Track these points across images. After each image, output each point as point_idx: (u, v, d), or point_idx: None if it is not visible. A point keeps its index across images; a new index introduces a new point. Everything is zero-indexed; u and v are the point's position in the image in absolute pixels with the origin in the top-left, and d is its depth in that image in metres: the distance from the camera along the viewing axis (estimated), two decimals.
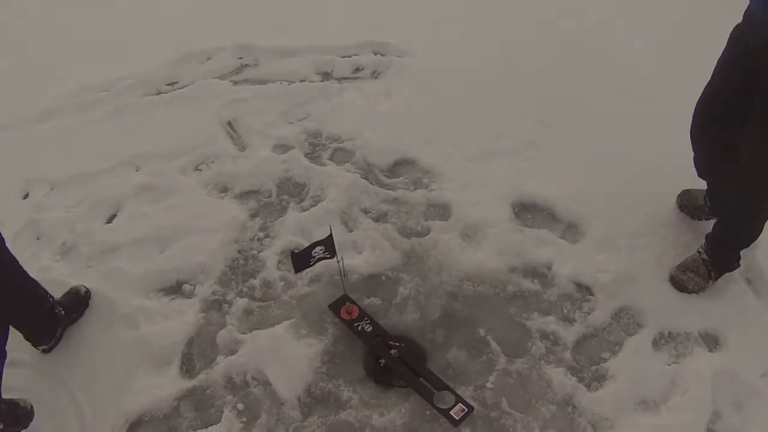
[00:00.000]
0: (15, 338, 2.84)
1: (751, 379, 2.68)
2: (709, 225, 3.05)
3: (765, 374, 2.71)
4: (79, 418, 2.61)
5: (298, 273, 2.75)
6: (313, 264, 2.63)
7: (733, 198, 2.80)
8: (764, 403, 2.61)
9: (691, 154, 3.00)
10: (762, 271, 3.07)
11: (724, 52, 2.65)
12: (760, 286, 3.03)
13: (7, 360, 2.79)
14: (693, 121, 2.88)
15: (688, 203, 3.24)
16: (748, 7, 2.47)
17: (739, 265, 2.99)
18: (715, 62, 2.67)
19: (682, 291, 2.96)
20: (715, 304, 2.94)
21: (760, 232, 2.89)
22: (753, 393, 2.64)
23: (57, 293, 2.97)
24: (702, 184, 3.14)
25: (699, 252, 3.00)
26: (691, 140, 2.94)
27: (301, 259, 2.58)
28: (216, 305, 2.97)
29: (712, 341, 2.84)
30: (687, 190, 3.27)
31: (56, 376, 2.76)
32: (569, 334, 2.83)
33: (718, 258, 2.96)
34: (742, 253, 2.97)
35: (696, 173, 3.05)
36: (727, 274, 2.99)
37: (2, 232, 3.24)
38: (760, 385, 2.67)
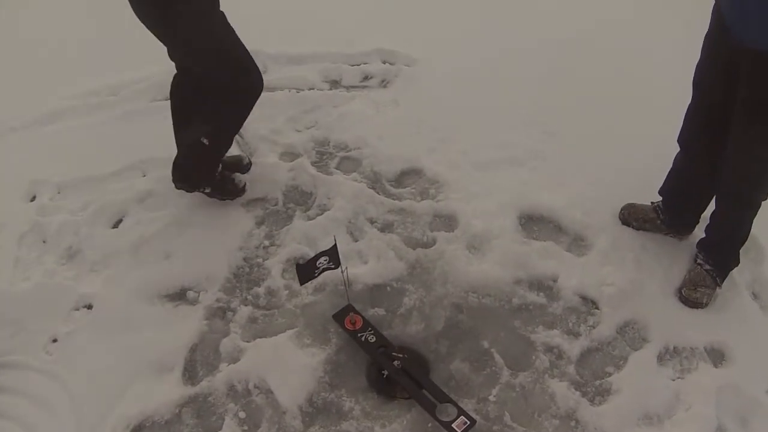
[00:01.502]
0: (14, 341, 2.87)
1: (757, 394, 2.67)
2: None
3: None
4: (79, 422, 2.60)
5: (303, 284, 2.74)
6: (318, 275, 2.62)
7: (730, 202, 2.86)
8: None
9: None
10: None
11: (700, 59, 2.69)
12: (767, 301, 3.02)
13: (8, 361, 2.80)
14: (682, 131, 2.92)
15: (634, 217, 3.25)
16: (714, 8, 2.54)
17: (740, 261, 3.00)
18: None
19: (697, 308, 2.95)
20: (720, 318, 2.93)
21: (752, 224, 2.92)
22: (758, 408, 2.62)
23: (62, 298, 3.01)
24: (645, 198, 3.23)
25: (699, 264, 3.00)
26: (681, 149, 2.98)
27: (306, 271, 2.58)
28: (220, 313, 2.97)
29: (717, 356, 2.82)
30: (631, 204, 3.29)
31: (58, 378, 2.75)
32: (574, 348, 2.82)
33: (723, 263, 2.98)
34: (748, 268, 2.97)
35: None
36: (733, 290, 2.99)
37: (7, 235, 3.28)
38: (765, 401, 2.65)
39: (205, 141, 3.20)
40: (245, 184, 3.48)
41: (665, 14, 4.52)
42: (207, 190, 3.38)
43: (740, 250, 2.98)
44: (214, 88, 3.12)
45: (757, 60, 2.35)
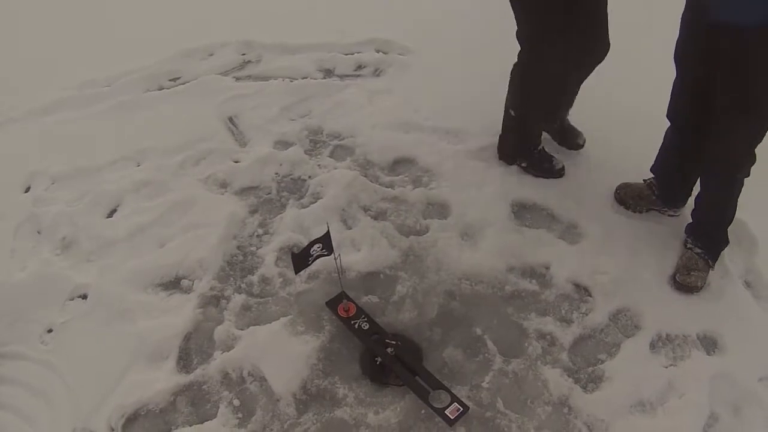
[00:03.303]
0: (9, 331, 2.89)
1: (749, 382, 2.68)
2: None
3: (763, 378, 2.70)
4: (75, 411, 2.61)
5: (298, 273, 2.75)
6: (312, 262, 2.63)
7: (716, 180, 2.90)
8: (762, 407, 2.60)
9: None
10: (761, 274, 3.06)
11: (679, 35, 2.74)
12: (760, 290, 3.02)
13: (4, 351, 2.81)
14: (669, 105, 2.97)
15: (630, 196, 3.29)
16: None
17: (729, 241, 3.04)
18: None
19: (692, 292, 2.97)
20: (713, 306, 2.93)
21: (737, 204, 2.97)
22: (750, 397, 2.64)
23: (58, 288, 3.03)
24: (638, 177, 3.30)
25: (689, 248, 3.03)
26: (670, 123, 3.03)
27: (300, 260, 2.58)
28: (214, 301, 2.98)
29: (710, 344, 2.83)
30: (625, 183, 3.33)
31: (53, 367, 2.76)
32: (566, 335, 2.82)
33: (713, 245, 3.01)
34: (741, 257, 2.99)
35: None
36: (726, 278, 3.01)
37: (3, 225, 3.29)
38: (757, 389, 2.66)
39: (512, 112, 3.35)
40: (563, 166, 3.48)
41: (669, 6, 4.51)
42: (523, 164, 3.50)
43: (729, 232, 3.02)
44: (528, 60, 3.17)
45: (734, 36, 2.41)
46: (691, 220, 3.10)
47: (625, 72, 3.33)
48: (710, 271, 3.00)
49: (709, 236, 3.01)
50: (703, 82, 2.68)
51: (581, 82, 3.26)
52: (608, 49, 3.08)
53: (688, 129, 2.93)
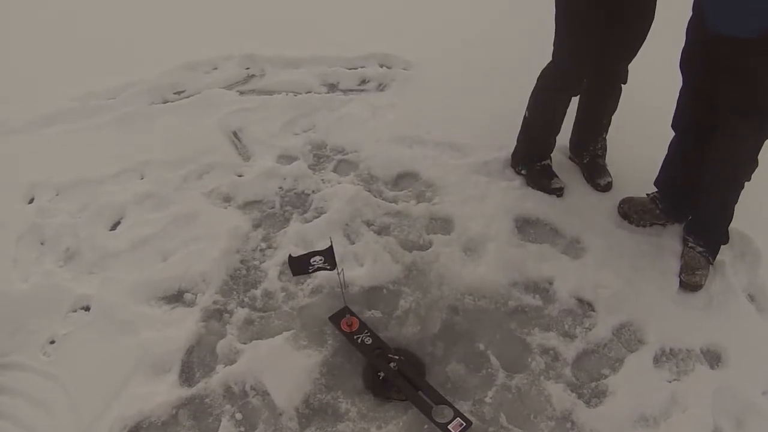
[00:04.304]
0: (12, 342, 2.88)
1: (753, 396, 2.67)
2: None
3: (766, 391, 2.69)
4: (76, 422, 2.60)
5: (296, 276, 2.74)
6: (312, 272, 2.63)
7: (718, 183, 2.94)
8: (765, 420, 2.60)
9: None
10: (765, 288, 3.06)
11: (684, 44, 2.82)
12: (763, 303, 3.02)
13: (7, 362, 2.81)
14: (674, 113, 3.02)
15: (633, 210, 3.31)
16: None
17: (729, 238, 3.09)
18: None
19: (697, 290, 3.01)
20: (717, 320, 2.94)
21: (736, 203, 3.01)
22: (754, 410, 2.63)
23: (60, 300, 3.02)
24: (641, 191, 3.34)
25: (691, 247, 3.08)
26: (674, 131, 3.08)
27: (298, 264, 2.58)
28: (216, 314, 2.97)
29: (713, 358, 2.83)
30: (628, 197, 3.36)
31: (56, 379, 2.75)
32: (569, 350, 2.82)
33: (713, 243, 3.07)
34: (744, 271, 3.00)
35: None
36: (729, 292, 3.02)
37: (6, 236, 3.30)
38: (761, 403, 2.65)
39: (526, 113, 3.44)
40: (562, 188, 3.46)
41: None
42: (523, 172, 3.53)
43: (733, 246, 3.09)
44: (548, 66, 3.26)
45: (736, 44, 2.48)
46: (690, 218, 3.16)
47: (628, 86, 3.33)
48: (710, 267, 3.05)
49: (710, 235, 3.07)
50: (707, 87, 2.73)
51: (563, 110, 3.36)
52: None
53: (692, 134, 2.97)
